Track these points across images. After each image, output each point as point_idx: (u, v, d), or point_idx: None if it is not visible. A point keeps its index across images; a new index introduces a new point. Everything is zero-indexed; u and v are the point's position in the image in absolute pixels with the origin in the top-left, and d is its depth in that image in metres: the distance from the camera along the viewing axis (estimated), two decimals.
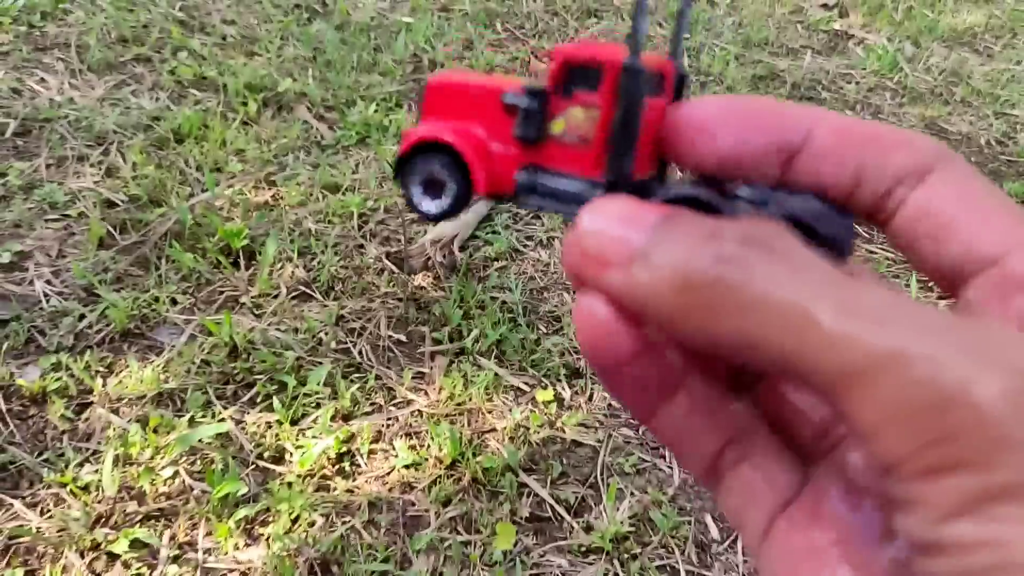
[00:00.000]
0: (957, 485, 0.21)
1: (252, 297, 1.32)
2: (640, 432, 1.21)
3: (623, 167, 0.34)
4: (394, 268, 1.40)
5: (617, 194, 0.30)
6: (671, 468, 1.18)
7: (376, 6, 2.17)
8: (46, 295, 1.28)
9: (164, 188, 1.47)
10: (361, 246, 1.44)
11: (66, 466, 1.06)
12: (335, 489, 1.08)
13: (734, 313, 0.24)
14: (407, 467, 1.12)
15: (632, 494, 1.13)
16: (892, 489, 0.22)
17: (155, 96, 1.71)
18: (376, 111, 1.75)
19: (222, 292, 1.32)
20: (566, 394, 1.25)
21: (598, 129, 0.33)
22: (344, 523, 1.04)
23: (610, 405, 1.24)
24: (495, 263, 1.45)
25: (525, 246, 1.50)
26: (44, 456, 1.07)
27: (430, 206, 0.35)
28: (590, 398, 1.25)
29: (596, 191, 0.33)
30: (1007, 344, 0.22)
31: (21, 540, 0.98)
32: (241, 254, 1.38)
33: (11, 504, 1.01)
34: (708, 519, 1.13)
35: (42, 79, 1.72)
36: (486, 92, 0.34)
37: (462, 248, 1.46)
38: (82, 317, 1.25)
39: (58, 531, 0.99)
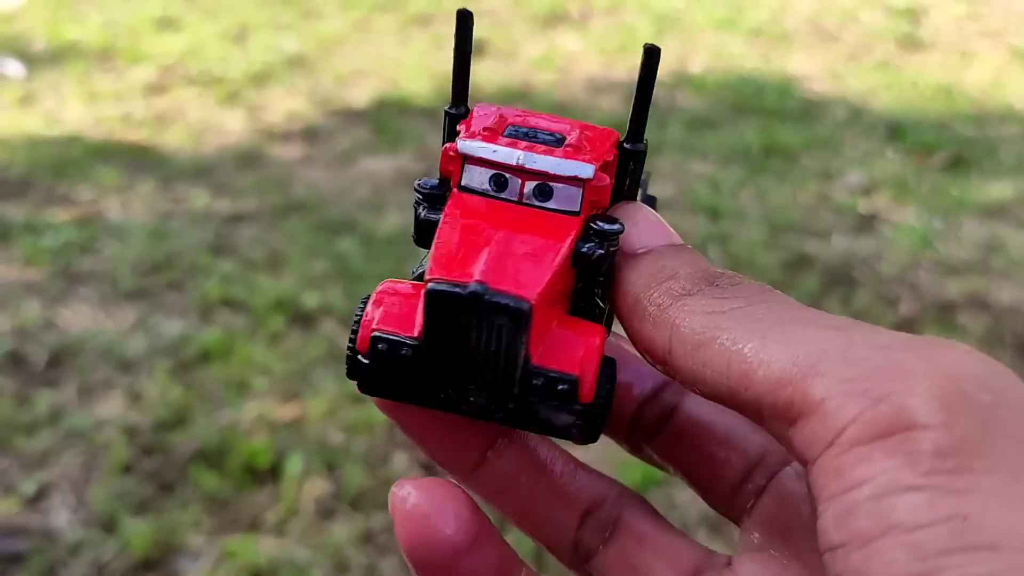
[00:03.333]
0: (905, 448, 0.22)
1: (276, 516, 1.28)
2: None
3: None
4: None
5: None
6: None
7: (401, 219, 2.23)
8: (67, 526, 1.25)
9: (189, 410, 1.47)
10: (388, 456, 1.41)
11: None
12: None
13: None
14: None
15: None
16: (835, 464, 0.23)
17: (183, 319, 1.74)
18: None
19: (245, 513, 1.29)
20: None
21: None
22: None
23: None
24: None
25: None
26: None
27: None
28: None
29: None
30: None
31: None
32: (265, 472, 1.36)
33: None
34: None
35: (74, 310, 1.76)
36: (565, 268, 0.30)
37: None
38: (102, 548, 1.22)
39: None
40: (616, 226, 0.30)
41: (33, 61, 3.01)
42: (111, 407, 1.49)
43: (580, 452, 0.35)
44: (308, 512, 1.29)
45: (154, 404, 1.49)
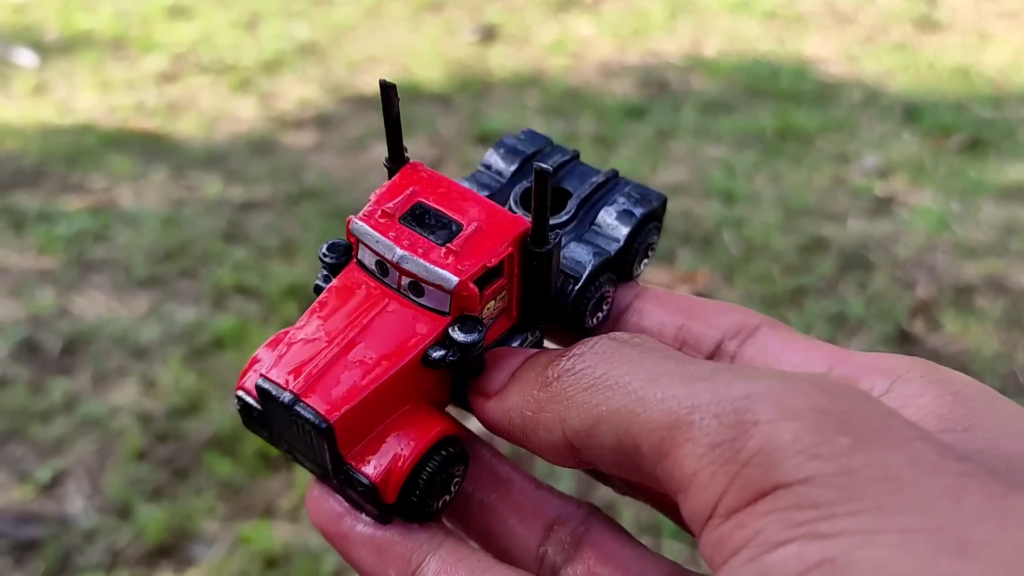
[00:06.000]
0: (774, 507, 0.22)
1: (290, 502, 1.28)
2: None
3: (539, 314, 0.36)
4: None
5: (502, 347, 0.34)
6: None
7: None
8: (82, 513, 1.26)
9: (203, 397, 1.47)
10: None
11: None
12: None
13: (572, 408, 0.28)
14: None
15: None
16: (715, 536, 0.23)
17: (197, 306, 1.74)
18: None
19: (259, 499, 1.29)
20: None
21: (514, 296, 0.35)
22: None
23: None
24: None
25: None
26: None
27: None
28: None
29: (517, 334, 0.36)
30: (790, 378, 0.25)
31: None
32: (279, 458, 1.35)
33: None
34: None
35: (89, 298, 1.76)
36: (407, 372, 0.32)
37: None
38: (118, 534, 1.22)
39: None
40: (471, 337, 0.32)
41: (46, 51, 3.01)
42: (125, 394, 1.49)
43: (554, 468, 0.35)
44: None
45: (168, 391, 1.49)
